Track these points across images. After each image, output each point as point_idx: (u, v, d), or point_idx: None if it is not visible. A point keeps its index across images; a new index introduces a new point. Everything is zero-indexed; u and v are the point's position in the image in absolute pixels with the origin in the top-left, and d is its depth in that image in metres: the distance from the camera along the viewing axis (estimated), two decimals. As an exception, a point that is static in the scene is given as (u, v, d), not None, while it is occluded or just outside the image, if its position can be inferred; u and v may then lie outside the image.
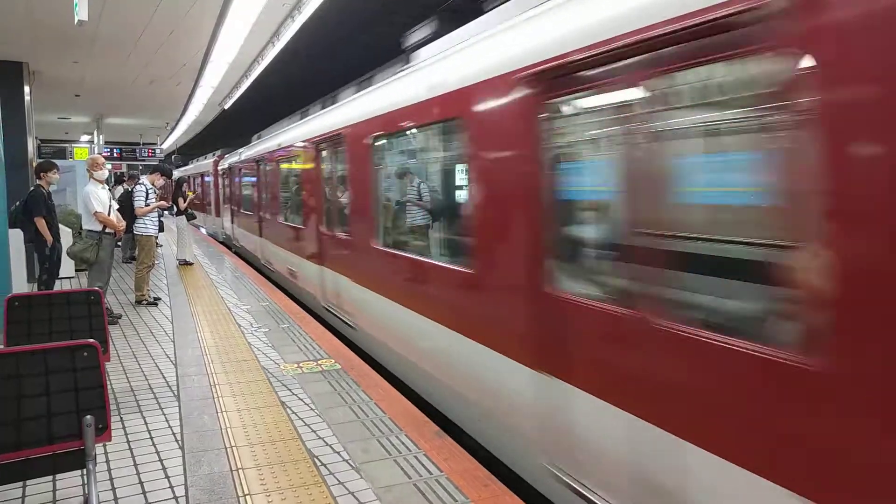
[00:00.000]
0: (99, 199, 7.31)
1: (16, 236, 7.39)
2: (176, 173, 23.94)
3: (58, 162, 9.13)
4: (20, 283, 7.40)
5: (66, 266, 9.06)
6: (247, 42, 9.92)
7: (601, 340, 2.99)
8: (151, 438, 4.14)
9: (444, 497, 3.34)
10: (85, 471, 2.83)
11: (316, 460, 3.77)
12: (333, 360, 5.87)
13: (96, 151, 20.24)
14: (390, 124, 5.69)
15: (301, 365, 5.74)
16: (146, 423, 4.40)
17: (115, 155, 25.65)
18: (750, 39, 2.22)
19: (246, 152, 14.53)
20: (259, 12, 8.30)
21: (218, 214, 19.89)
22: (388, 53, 7.38)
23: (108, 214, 7.36)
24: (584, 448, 3.09)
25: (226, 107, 16.82)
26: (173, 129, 24.25)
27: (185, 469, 3.67)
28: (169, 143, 29.86)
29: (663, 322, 2.57)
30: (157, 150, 28.45)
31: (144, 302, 8.60)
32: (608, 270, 3.14)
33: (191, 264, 12.38)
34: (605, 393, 2.93)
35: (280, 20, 8.97)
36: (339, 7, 9.54)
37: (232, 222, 16.53)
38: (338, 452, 3.89)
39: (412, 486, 3.48)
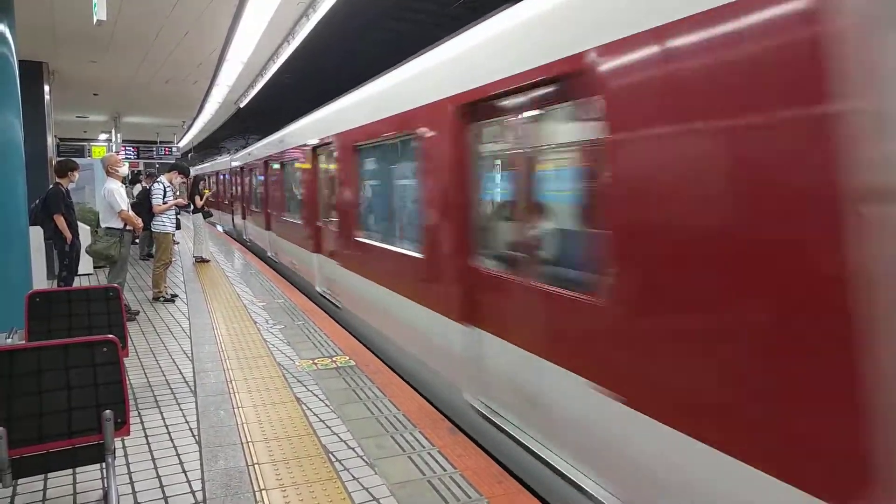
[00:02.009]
0: (123, 198, 7.45)
1: (36, 234, 7.48)
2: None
3: (77, 160, 9.26)
4: (40, 280, 7.50)
5: (85, 263, 9.18)
6: (262, 41, 9.97)
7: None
8: (169, 433, 4.19)
9: (458, 494, 3.36)
10: (104, 464, 2.88)
11: (331, 456, 3.80)
12: (348, 357, 5.90)
13: (114, 150, 20.47)
14: None
15: (316, 361, 5.78)
16: (163, 418, 4.45)
17: (129, 149, 25.82)
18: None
19: None
20: (274, 11, 8.35)
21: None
22: (400, 49, 7.38)
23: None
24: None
25: (241, 105, 16.91)
26: (189, 127, 24.43)
27: (201, 464, 3.71)
28: (185, 141, 30.09)
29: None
30: (174, 149, 28.72)
31: (162, 298, 8.69)
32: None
33: (207, 261, 12.49)
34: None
35: (295, 18, 9.01)
36: (352, 2, 9.57)
37: None
38: (352, 448, 3.92)
39: (426, 482, 3.49)
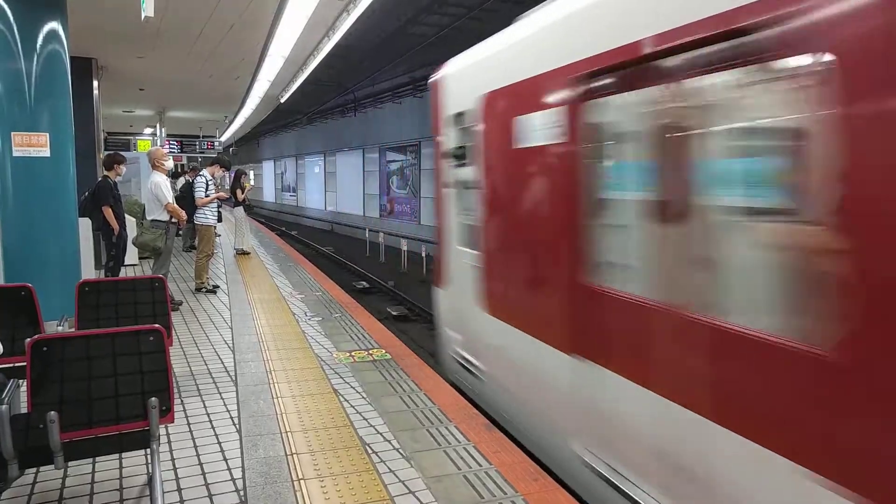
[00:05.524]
0: (169, 190, 7.65)
1: (84, 225, 7.72)
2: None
3: (123, 153, 9.52)
4: (88, 270, 7.73)
5: (131, 254, 9.44)
6: (303, 36, 10.08)
7: None
8: (210, 421, 4.28)
9: (493, 489, 3.35)
10: (149, 450, 2.95)
11: (367, 448, 3.84)
12: (384, 350, 5.94)
13: (159, 144, 20.98)
14: None
15: (353, 354, 5.84)
16: (205, 407, 4.55)
17: (173, 143, 26.28)
18: None
19: None
20: (315, 6, 8.42)
21: None
22: (439, 44, 7.37)
23: None
24: None
25: (283, 100, 17.13)
26: (231, 121, 24.86)
27: (242, 452, 3.78)
28: (227, 135, 30.65)
29: None
30: (216, 143, 29.26)
31: (204, 289, 8.88)
32: None
33: (248, 254, 12.72)
34: None
35: (336, 14, 9.08)
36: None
37: None
38: (388, 441, 3.95)
39: (461, 477, 3.50)
